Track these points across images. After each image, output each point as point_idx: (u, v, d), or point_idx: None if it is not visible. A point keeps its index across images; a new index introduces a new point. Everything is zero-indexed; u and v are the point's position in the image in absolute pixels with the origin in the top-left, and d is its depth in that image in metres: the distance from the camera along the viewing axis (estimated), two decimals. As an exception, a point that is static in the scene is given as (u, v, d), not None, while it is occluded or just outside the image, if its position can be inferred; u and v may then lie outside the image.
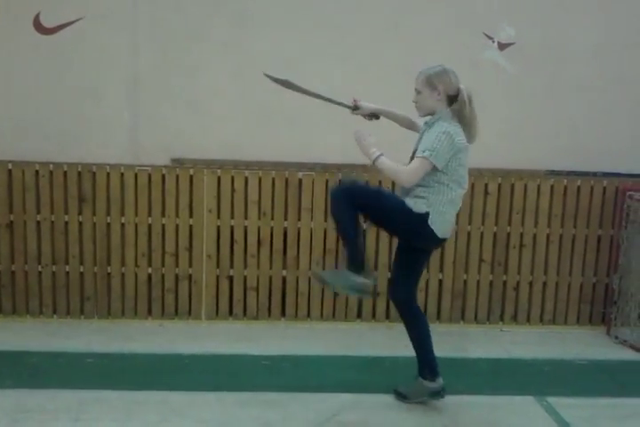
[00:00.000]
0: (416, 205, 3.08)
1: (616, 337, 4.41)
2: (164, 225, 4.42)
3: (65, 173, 4.33)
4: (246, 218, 4.44)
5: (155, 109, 4.49)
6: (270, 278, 4.51)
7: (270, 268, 4.50)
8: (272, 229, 4.46)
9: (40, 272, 4.40)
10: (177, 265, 4.46)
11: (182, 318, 4.50)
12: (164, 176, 4.38)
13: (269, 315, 4.54)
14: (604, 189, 4.58)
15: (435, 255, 4.32)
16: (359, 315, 4.58)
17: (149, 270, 4.45)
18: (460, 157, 3.07)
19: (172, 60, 4.46)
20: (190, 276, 4.48)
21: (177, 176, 4.39)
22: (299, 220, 4.46)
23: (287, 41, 4.47)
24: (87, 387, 3.39)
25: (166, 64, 4.47)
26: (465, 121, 3.10)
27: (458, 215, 3.49)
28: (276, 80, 3.41)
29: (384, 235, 4.45)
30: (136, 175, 4.36)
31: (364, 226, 3.69)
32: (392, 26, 4.50)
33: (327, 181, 4.40)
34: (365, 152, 3.13)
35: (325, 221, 4.45)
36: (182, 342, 4.10)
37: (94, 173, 4.35)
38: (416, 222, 3.10)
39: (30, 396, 3.27)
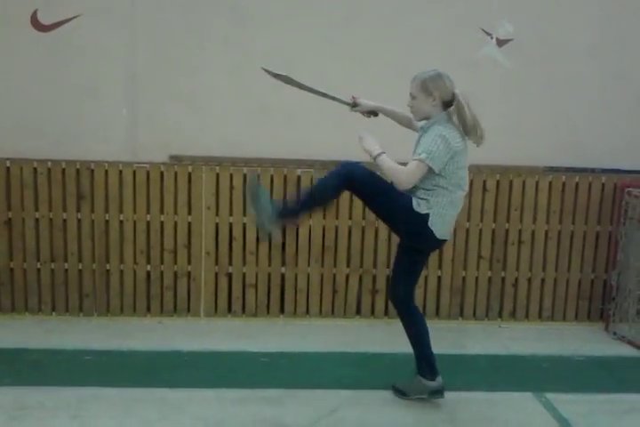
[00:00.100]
0: (419, 206, 3.09)
1: (614, 333, 4.41)
2: (162, 222, 4.42)
3: (63, 170, 4.33)
4: (245, 215, 4.44)
5: (153, 107, 4.49)
6: (269, 275, 4.51)
7: (269, 265, 4.50)
8: (271, 226, 4.46)
9: (39, 269, 4.40)
10: (176, 262, 4.46)
11: (181, 316, 4.50)
12: (162, 173, 4.38)
13: (268, 312, 4.54)
14: (603, 185, 4.58)
15: (433, 252, 4.31)
16: (358, 312, 4.59)
17: (148, 268, 4.45)
18: (457, 160, 3.06)
19: (170, 58, 4.46)
20: (189, 273, 4.48)
21: (175, 173, 4.38)
22: (297, 217, 4.46)
23: (286, 39, 4.46)
24: (86, 384, 3.40)
25: (164, 61, 4.46)
26: (467, 125, 3.08)
27: (456, 212, 3.49)
28: (276, 75, 3.38)
29: (383, 234, 4.46)
30: (134, 172, 4.36)
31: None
32: (391, 24, 4.50)
33: (326, 178, 4.39)
34: (368, 149, 3.13)
35: (324, 218, 4.45)
36: (181, 339, 4.10)
37: (92, 171, 4.34)
38: (416, 222, 3.10)
39: (29, 393, 3.27)
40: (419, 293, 4.43)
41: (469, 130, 3.09)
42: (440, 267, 4.56)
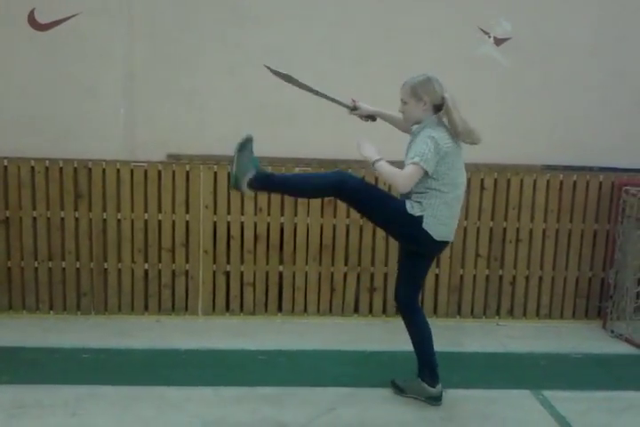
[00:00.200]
0: (413, 208, 3.09)
1: (612, 331, 4.42)
2: (160, 221, 4.42)
3: (61, 169, 4.33)
4: (243, 214, 4.44)
5: (151, 105, 4.49)
6: (267, 274, 4.51)
7: (267, 263, 4.50)
8: (269, 224, 4.46)
9: (36, 268, 4.40)
10: (173, 261, 4.46)
11: (179, 314, 4.50)
12: (160, 172, 4.38)
13: (266, 310, 4.54)
14: (600, 183, 4.59)
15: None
16: (356, 310, 4.59)
17: (146, 266, 4.45)
18: (448, 161, 3.06)
19: (168, 56, 4.46)
20: (187, 271, 4.48)
21: (173, 172, 4.38)
22: (295, 215, 4.46)
23: (286, 38, 4.47)
24: (84, 382, 3.40)
25: (162, 60, 4.46)
26: (457, 128, 3.08)
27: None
28: (277, 73, 3.37)
29: (381, 232, 4.44)
30: (132, 171, 4.35)
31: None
32: (391, 24, 4.50)
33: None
34: (366, 156, 3.13)
35: (322, 216, 4.46)
36: (179, 337, 4.10)
37: (90, 169, 4.34)
38: (411, 225, 3.10)
39: (27, 391, 3.27)
40: (417, 291, 4.43)
41: (460, 132, 3.10)
42: (438, 265, 4.57)
